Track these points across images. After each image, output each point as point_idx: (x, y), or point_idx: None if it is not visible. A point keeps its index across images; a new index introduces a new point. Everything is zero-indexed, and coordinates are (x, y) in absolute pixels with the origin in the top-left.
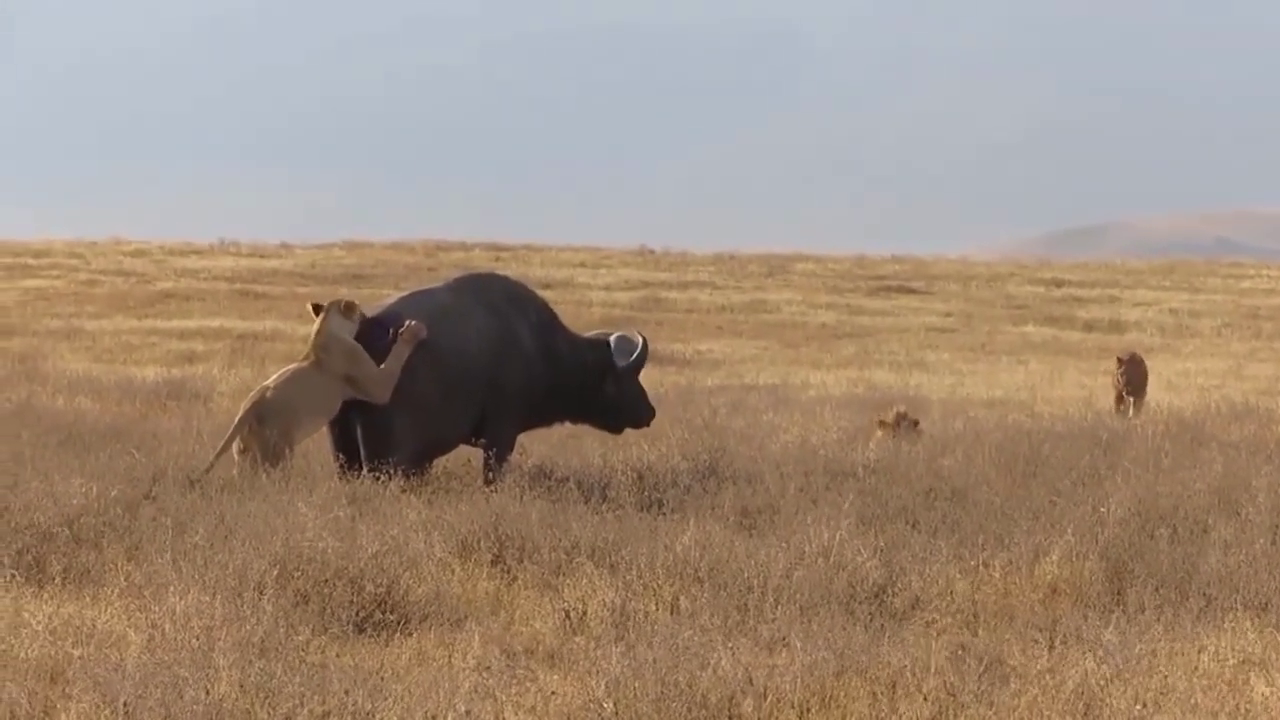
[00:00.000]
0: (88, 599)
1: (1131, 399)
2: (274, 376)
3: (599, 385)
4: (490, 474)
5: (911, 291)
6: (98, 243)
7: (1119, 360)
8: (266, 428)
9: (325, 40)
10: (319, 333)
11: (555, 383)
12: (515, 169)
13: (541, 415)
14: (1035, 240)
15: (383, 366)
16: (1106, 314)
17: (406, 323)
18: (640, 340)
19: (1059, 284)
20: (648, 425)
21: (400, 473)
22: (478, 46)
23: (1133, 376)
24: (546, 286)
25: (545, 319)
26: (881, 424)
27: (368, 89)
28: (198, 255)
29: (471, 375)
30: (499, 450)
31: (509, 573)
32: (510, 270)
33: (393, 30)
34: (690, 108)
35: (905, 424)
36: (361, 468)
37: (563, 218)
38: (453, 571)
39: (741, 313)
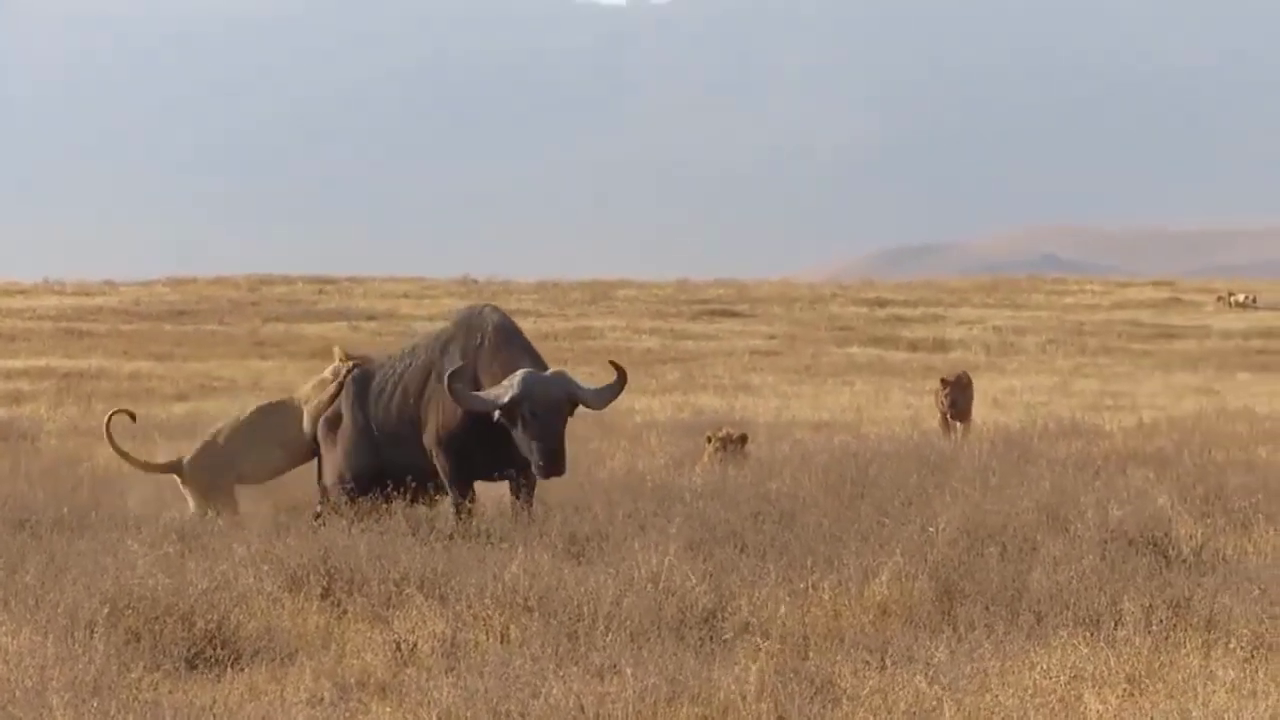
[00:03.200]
0: None
1: (957, 422)
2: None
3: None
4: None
5: (735, 315)
6: None
7: (944, 382)
8: (191, 487)
9: (152, 80)
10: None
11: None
12: (337, 204)
13: (491, 457)
14: (861, 261)
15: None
16: (931, 333)
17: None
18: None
19: (882, 304)
20: (541, 475)
21: (329, 501)
22: (287, 89)
23: (958, 398)
24: (370, 318)
25: (482, 351)
26: (710, 439)
27: (185, 129)
28: (23, 295)
29: (394, 416)
30: (449, 488)
31: (339, 606)
32: (333, 303)
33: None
34: (503, 131)
35: (733, 444)
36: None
37: (389, 251)
38: (283, 606)
39: (566, 340)
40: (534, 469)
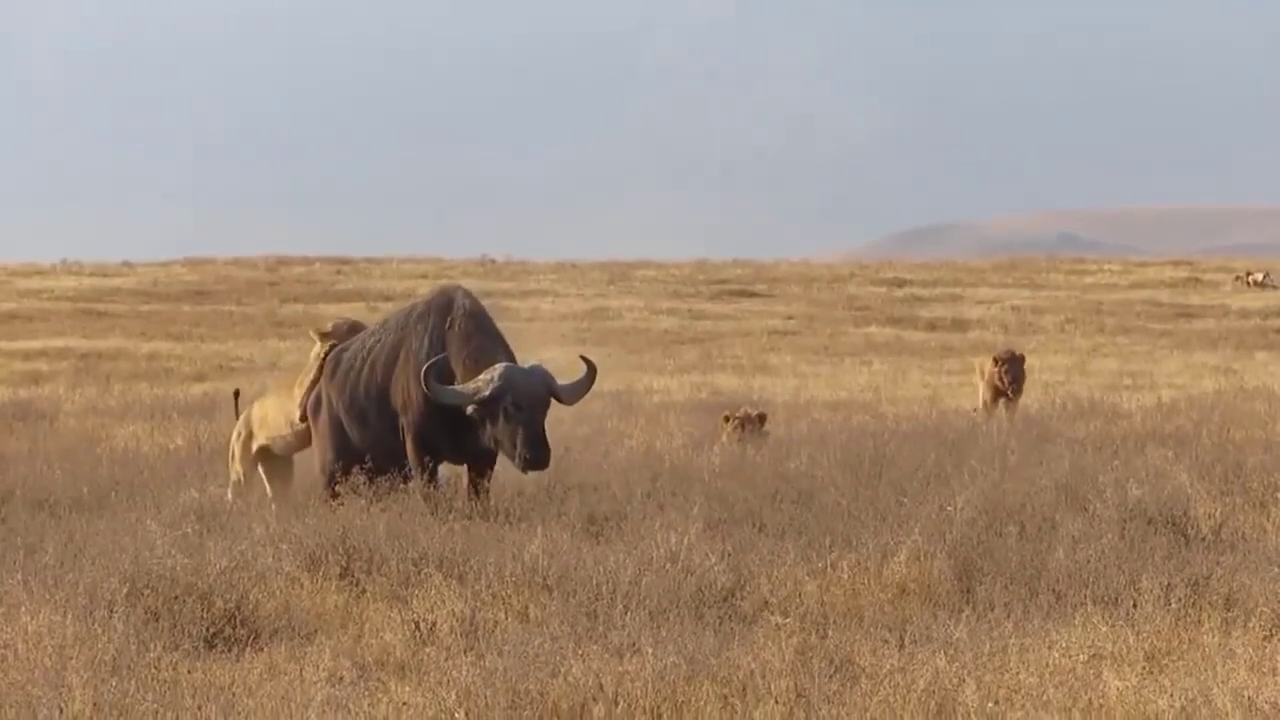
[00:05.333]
0: None
1: (1008, 399)
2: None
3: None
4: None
5: (753, 295)
6: None
7: (997, 360)
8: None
9: (170, 66)
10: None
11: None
12: (356, 185)
13: (452, 443)
14: (877, 243)
15: None
16: (949, 313)
17: None
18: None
19: (900, 284)
20: (523, 470)
21: (325, 481)
22: (307, 73)
23: (1016, 375)
24: (387, 299)
25: (452, 336)
26: (727, 418)
27: (203, 113)
28: (41, 275)
29: (361, 393)
30: (411, 468)
31: (357, 585)
32: (350, 284)
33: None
34: (529, 116)
35: (751, 424)
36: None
37: (408, 231)
38: (301, 585)
39: (584, 320)
40: (517, 462)
